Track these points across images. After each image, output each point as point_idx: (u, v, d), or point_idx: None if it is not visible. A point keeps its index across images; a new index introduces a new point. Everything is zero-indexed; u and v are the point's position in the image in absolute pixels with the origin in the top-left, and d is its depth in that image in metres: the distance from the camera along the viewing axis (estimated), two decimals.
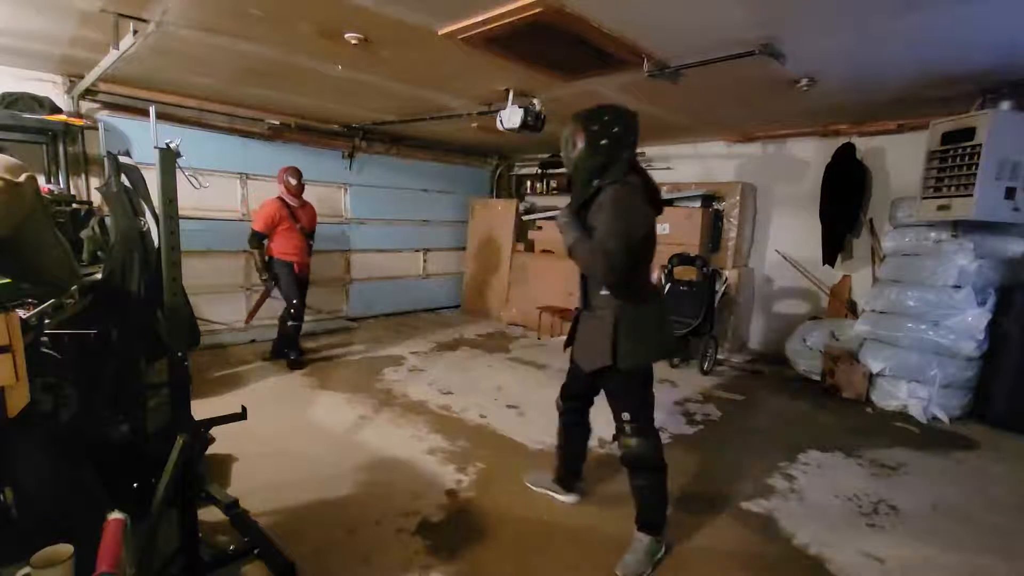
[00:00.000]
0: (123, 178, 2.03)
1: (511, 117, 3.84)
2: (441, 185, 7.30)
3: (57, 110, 3.89)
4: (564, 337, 2.38)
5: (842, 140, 4.91)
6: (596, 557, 2.13)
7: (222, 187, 5.13)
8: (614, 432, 2.13)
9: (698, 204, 5.53)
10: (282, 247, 4.45)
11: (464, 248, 7.59)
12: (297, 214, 4.53)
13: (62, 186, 4.01)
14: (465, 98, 4.37)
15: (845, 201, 4.89)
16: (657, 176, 6.33)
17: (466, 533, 2.28)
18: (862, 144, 4.90)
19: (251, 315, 4.86)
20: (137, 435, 2.14)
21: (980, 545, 2.35)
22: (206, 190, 2.67)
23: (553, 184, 7.49)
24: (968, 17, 2.46)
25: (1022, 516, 2.61)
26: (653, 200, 2.01)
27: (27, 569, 1.15)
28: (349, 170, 6.19)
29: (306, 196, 4.66)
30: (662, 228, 5.52)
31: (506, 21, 2.60)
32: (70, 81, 4.13)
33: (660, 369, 4.87)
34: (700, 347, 4.85)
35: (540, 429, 3.34)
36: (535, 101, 3.89)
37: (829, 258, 5.05)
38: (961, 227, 3.89)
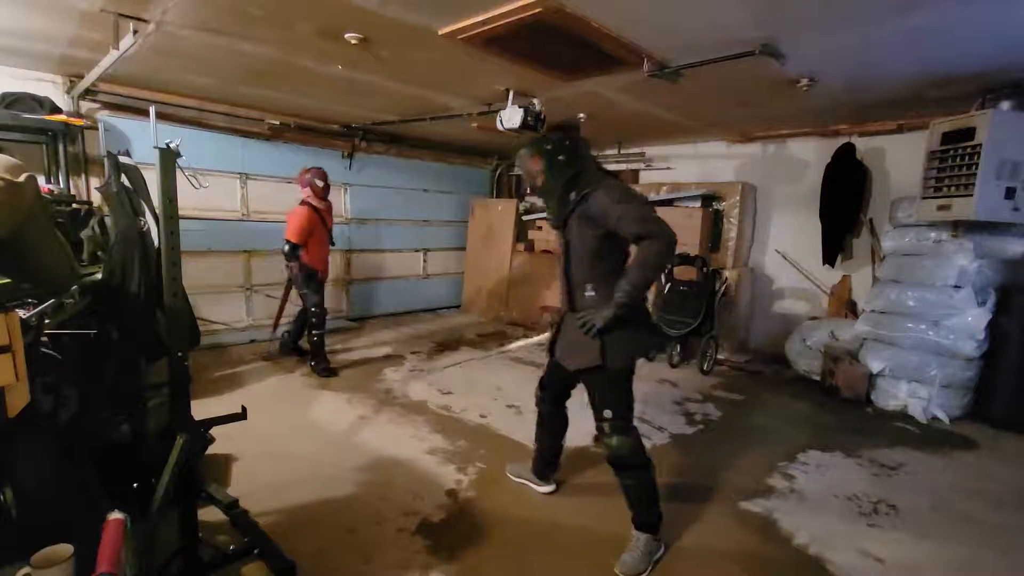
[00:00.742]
0: (123, 178, 2.03)
1: (511, 117, 3.84)
2: (441, 185, 7.31)
3: (57, 110, 3.90)
4: None
5: (842, 140, 4.91)
6: (596, 556, 2.13)
7: (222, 187, 5.13)
8: (595, 434, 2.15)
9: (698, 204, 5.53)
10: (312, 257, 4.30)
11: (464, 248, 7.59)
12: (326, 219, 4.41)
13: (62, 186, 4.01)
14: (465, 98, 4.37)
15: (845, 201, 4.90)
16: (657, 176, 6.41)
17: (466, 533, 2.28)
18: (862, 144, 4.90)
19: (276, 321, 4.81)
20: (137, 435, 2.14)
21: (980, 545, 2.35)
22: (206, 190, 2.67)
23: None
24: (968, 17, 2.46)
25: (1022, 516, 2.61)
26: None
27: (27, 569, 1.15)
28: (349, 170, 6.19)
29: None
30: None
31: (506, 21, 2.60)
32: (70, 81, 4.13)
33: (660, 369, 4.87)
34: (700, 347, 4.85)
35: None
36: (535, 101, 3.89)
37: (829, 258, 5.05)
38: (961, 227, 3.89)
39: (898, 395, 4.01)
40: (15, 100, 3.73)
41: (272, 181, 5.48)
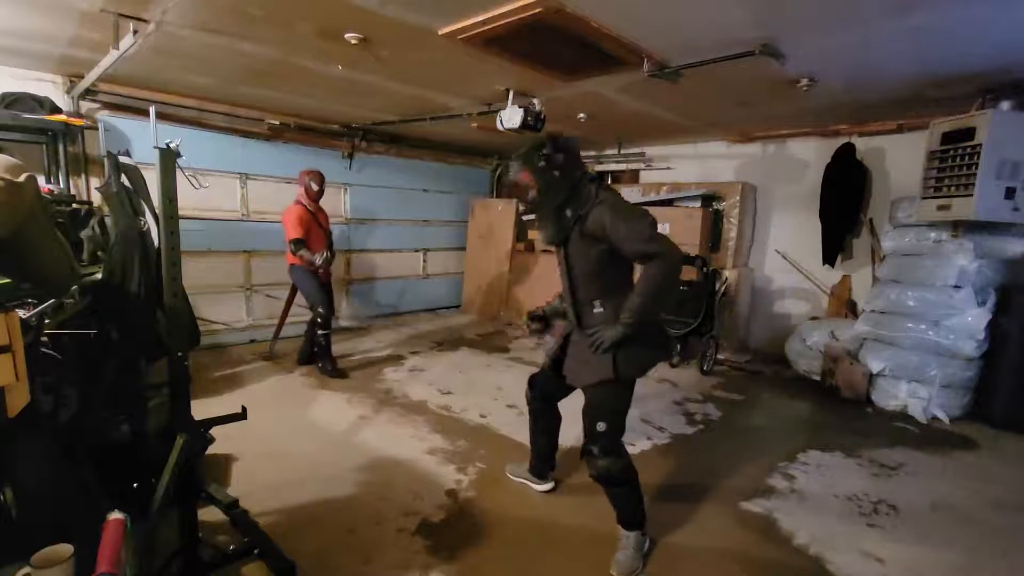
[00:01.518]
0: (123, 178, 2.03)
1: (511, 117, 3.84)
2: (441, 185, 7.31)
3: (57, 110, 3.89)
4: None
5: (842, 140, 4.91)
6: (596, 555, 2.13)
7: (222, 187, 5.13)
8: (582, 449, 2.10)
9: (698, 204, 5.53)
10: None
11: (464, 248, 7.59)
12: (319, 218, 4.44)
13: (62, 186, 4.00)
14: (465, 98, 4.37)
15: (845, 201, 4.90)
16: (657, 176, 6.41)
17: (466, 533, 2.28)
18: (862, 144, 4.91)
19: (279, 326, 4.79)
20: (137, 435, 2.14)
21: (980, 545, 2.35)
22: (206, 190, 2.67)
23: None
24: (968, 17, 2.46)
25: (1022, 516, 2.61)
26: None
27: (27, 569, 1.15)
28: (349, 170, 6.19)
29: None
30: (662, 228, 5.53)
31: (506, 21, 2.60)
32: (70, 81, 4.13)
33: (660, 369, 4.87)
34: (700, 347, 4.85)
35: None
36: (535, 101, 3.89)
37: (829, 258, 5.05)
38: (961, 227, 3.89)
39: (898, 395, 4.01)
40: (15, 100, 3.73)
41: (272, 181, 5.48)
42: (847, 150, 4.84)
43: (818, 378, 4.55)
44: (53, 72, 4.07)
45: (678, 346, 4.93)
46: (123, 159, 2.04)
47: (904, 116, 4.49)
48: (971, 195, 3.49)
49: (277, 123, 5.33)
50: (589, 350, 1.99)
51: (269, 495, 2.47)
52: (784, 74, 3.31)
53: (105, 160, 2.12)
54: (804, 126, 5.09)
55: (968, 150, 3.51)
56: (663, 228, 5.47)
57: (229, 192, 5.20)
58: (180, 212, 1.71)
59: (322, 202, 4.51)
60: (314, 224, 4.35)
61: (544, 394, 2.46)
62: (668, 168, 6.38)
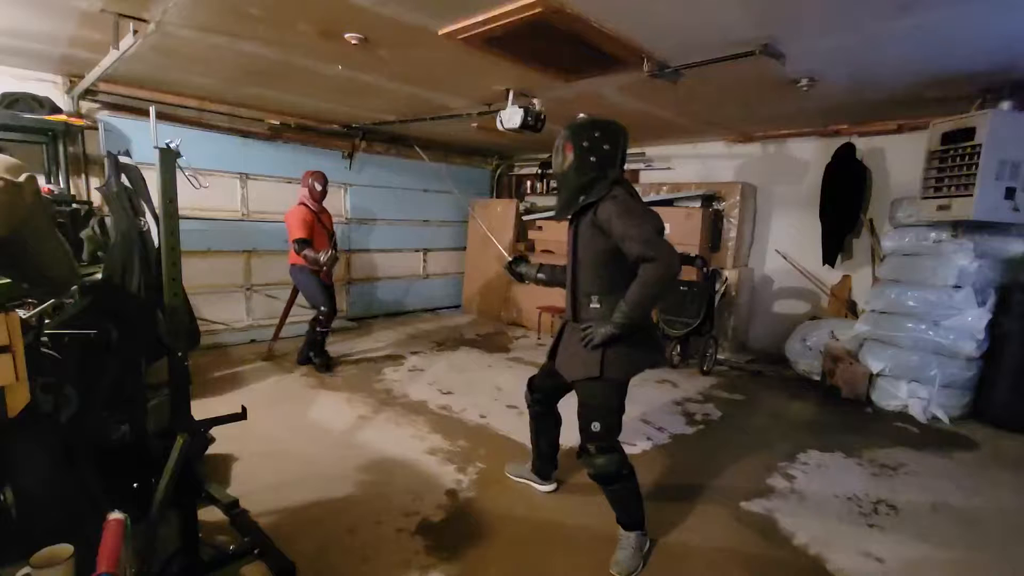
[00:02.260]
0: (123, 178, 2.03)
1: (511, 117, 3.84)
2: (441, 185, 7.31)
3: (57, 110, 3.90)
4: None
5: (842, 140, 4.91)
6: (596, 556, 2.13)
7: (222, 187, 5.13)
8: (579, 448, 2.12)
9: (698, 204, 5.53)
10: None
11: (464, 248, 7.60)
12: (323, 219, 4.46)
13: (62, 186, 4.01)
14: (465, 98, 4.37)
15: (845, 201, 4.89)
16: (657, 176, 6.41)
17: (466, 533, 2.28)
18: (862, 144, 4.90)
19: (279, 327, 4.79)
20: (137, 435, 2.14)
21: (980, 545, 2.35)
22: (206, 190, 2.67)
23: (553, 184, 7.49)
24: (968, 17, 2.46)
25: (1022, 516, 2.61)
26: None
27: (27, 569, 1.16)
28: (349, 170, 6.20)
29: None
30: None
31: (506, 21, 2.60)
32: (70, 81, 4.13)
33: (660, 369, 4.87)
34: (700, 347, 4.85)
35: None
36: (535, 101, 3.89)
37: (829, 258, 5.05)
38: (961, 227, 3.88)
39: (898, 395, 4.01)
40: (15, 100, 3.73)
41: (272, 181, 5.48)
42: (847, 150, 4.84)
43: (818, 378, 4.55)
44: (53, 72, 4.08)
45: (677, 350, 4.94)
46: (123, 159, 2.04)
47: (904, 116, 4.49)
48: (971, 195, 3.49)
49: (277, 123, 5.34)
50: (579, 344, 2.01)
51: (269, 495, 2.47)
52: (784, 74, 3.31)
53: (105, 160, 2.12)
54: (804, 126, 5.09)
55: (968, 150, 3.51)
56: None
57: (229, 192, 5.21)
58: (180, 212, 1.71)
59: (323, 202, 4.52)
60: (318, 225, 4.36)
61: (543, 396, 2.46)
62: (668, 168, 6.38)
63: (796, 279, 5.50)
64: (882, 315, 4.19)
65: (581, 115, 4.74)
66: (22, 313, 1.50)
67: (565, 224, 2.19)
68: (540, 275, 2.39)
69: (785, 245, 5.55)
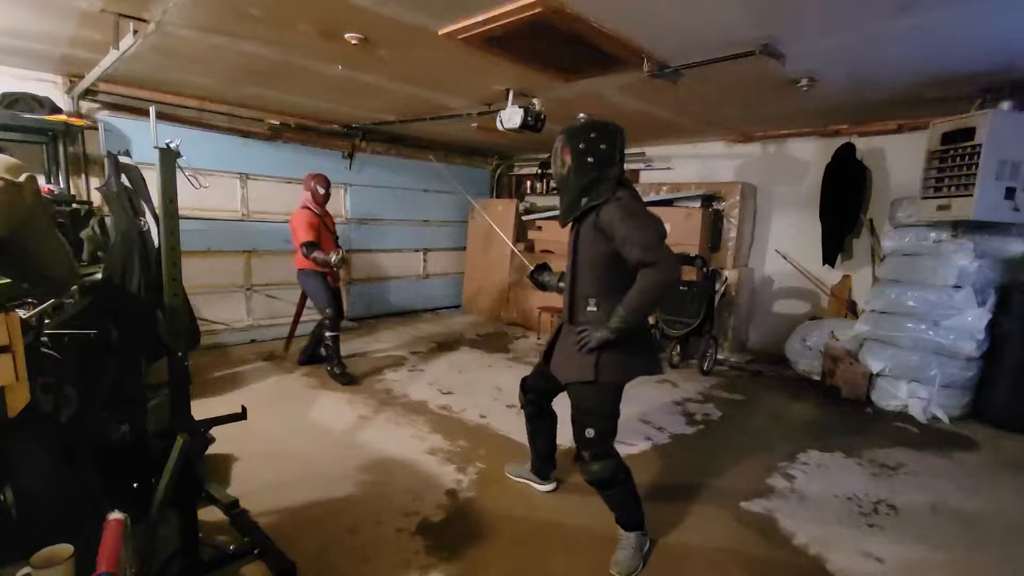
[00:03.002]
0: (123, 178, 2.03)
1: (511, 117, 3.84)
2: (441, 185, 7.30)
3: (57, 110, 3.89)
4: None
5: (842, 140, 4.91)
6: (596, 556, 2.13)
7: (222, 187, 5.13)
8: (574, 455, 2.11)
9: (698, 204, 5.53)
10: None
11: (464, 248, 7.60)
12: (327, 221, 4.41)
13: (62, 186, 4.01)
14: (465, 98, 4.37)
15: (845, 201, 4.89)
16: (657, 176, 6.41)
17: (466, 533, 2.28)
18: (862, 144, 4.90)
19: (291, 332, 4.80)
20: (137, 435, 2.14)
21: (980, 545, 2.35)
22: (206, 190, 2.67)
23: (553, 184, 7.49)
24: (967, 17, 2.46)
25: (1022, 516, 2.61)
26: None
27: (27, 569, 1.15)
28: (349, 170, 6.19)
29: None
30: None
31: (506, 21, 2.60)
32: (70, 81, 4.13)
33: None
34: (700, 347, 4.85)
35: None
36: (535, 101, 3.89)
37: (829, 258, 5.05)
38: (961, 227, 3.88)
39: (898, 395, 4.01)
40: (15, 100, 3.73)
41: (272, 181, 5.48)
42: (847, 150, 4.84)
43: (818, 378, 4.55)
44: (53, 72, 4.08)
45: (677, 350, 4.94)
46: (123, 159, 2.04)
47: (904, 116, 4.49)
48: (971, 195, 3.49)
49: (277, 123, 5.33)
50: (574, 347, 2.00)
51: (269, 495, 2.47)
52: (784, 74, 3.31)
53: (105, 160, 2.12)
54: (804, 126, 5.09)
55: (968, 150, 3.51)
56: None
57: (229, 192, 5.20)
58: (180, 212, 1.71)
59: (326, 205, 4.45)
60: (323, 227, 4.32)
61: (536, 396, 2.47)
62: (668, 168, 6.38)
63: (796, 279, 5.50)
64: (882, 315, 4.19)
65: (581, 115, 4.76)
66: (22, 313, 1.50)
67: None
68: (562, 284, 2.31)
69: (785, 245, 5.55)
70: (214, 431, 2.40)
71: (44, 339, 1.69)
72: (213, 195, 4.90)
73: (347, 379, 4.18)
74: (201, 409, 1.96)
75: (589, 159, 1.96)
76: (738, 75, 3.34)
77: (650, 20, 2.62)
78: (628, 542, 2.11)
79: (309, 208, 4.29)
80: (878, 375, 4.11)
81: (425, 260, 7.31)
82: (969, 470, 3.10)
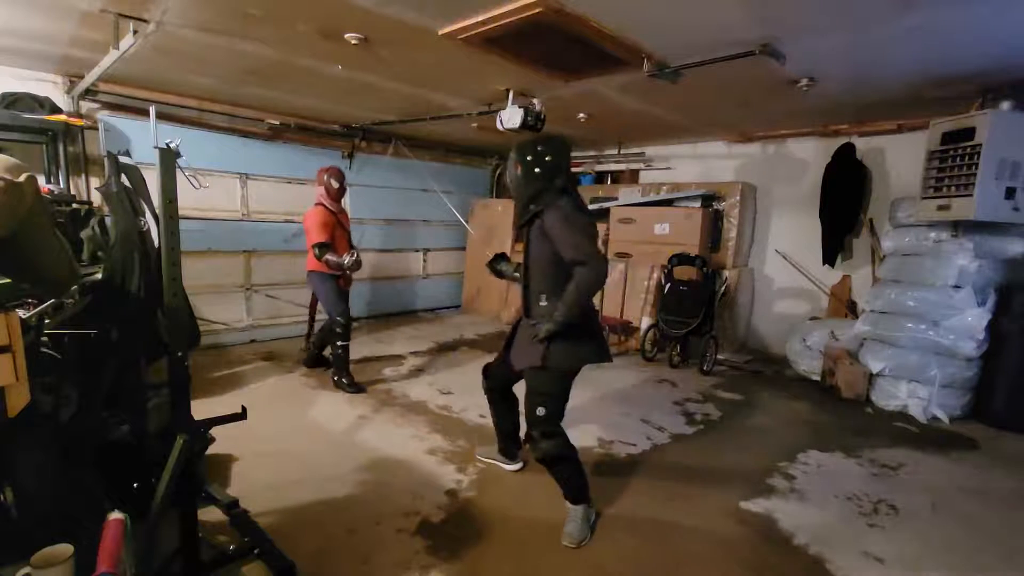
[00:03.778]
0: (123, 178, 2.03)
1: (511, 117, 3.83)
2: (441, 185, 7.30)
3: (57, 110, 3.89)
4: None
5: (842, 140, 4.91)
6: (593, 556, 2.14)
7: (222, 187, 5.13)
8: (525, 434, 2.34)
9: (698, 204, 5.53)
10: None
11: (464, 248, 7.60)
12: (343, 221, 4.15)
13: (62, 186, 4.00)
14: (465, 98, 4.37)
15: (845, 201, 4.90)
16: (657, 176, 6.42)
17: (466, 533, 2.28)
18: (862, 144, 4.91)
19: (309, 334, 4.77)
20: (137, 435, 2.14)
21: (980, 545, 2.36)
22: (206, 190, 2.67)
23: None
24: (968, 17, 2.46)
25: (1022, 516, 2.61)
26: (586, 215, 2.23)
27: (27, 569, 1.16)
28: (349, 170, 6.18)
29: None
30: (662, 228, 5.53)
31: (506, 21, 2.60)
32: (70, 81, 4.13)
33: (660, 369, 4.88)
34: (700, 347, 4.85)
35: None
36: (535, 101, 3.89)
37: (829, 258, 5.05)
38: (961, 227, 3.88)
39: (898, 395, 4.01)
40: (15, 100, 3.73)
41: (272, 181, 5.48)
42: (847, 150, 4.84)
43: (818, 378, 4.55)
44: (53, 72, 4.07)
45: (677, 350, 4.93)
46: (123, 159, 2.04)
47: (904, 116, 4.49)
48: (971, 195, 3.49)
49: (277, 123, 5.33)
50: (529, 338, 2.23)
51: (269, 495, 2.47)
52: (784, 74, 3.31)
53: (105, 160, 2.12)
54: (804, 126, 5.09)
55: (968, 150, 3.51)
56: (663, 228, 5.48)
57: (229, 192, 5.20)
58: (180, 212, 1.71)
59: (342, 201, 4.25)
60: (338, 226, 4.07)
61: (497, 383, 2.71)
62: (668, 168, 6.38)
63: (796, 279, 5.50)
64: (882, 315, 4.19)
65: (581, 115, 4.75)
66: (22, 313, 1.50)
67: None
68: (516, 273, 2.57)
69: (785, 245, 5.55)
70: (214, 431, 2.39)
71: (44, 339, 1.69)
72: (213, 195, 4.90)
73: (355, 389, 3.99)
74: (201, 409, 1.96)
75: (536, 170, 2.18)
76: (738, 75, 3.34)
77: (650, 20, 2.62)
78: (576, 514, 2.27)
79: (324, 205, 4.03)
80: (878, 375, 4.12)
81: (425, 260, 7.31)
82: (969, 470, 3.10)
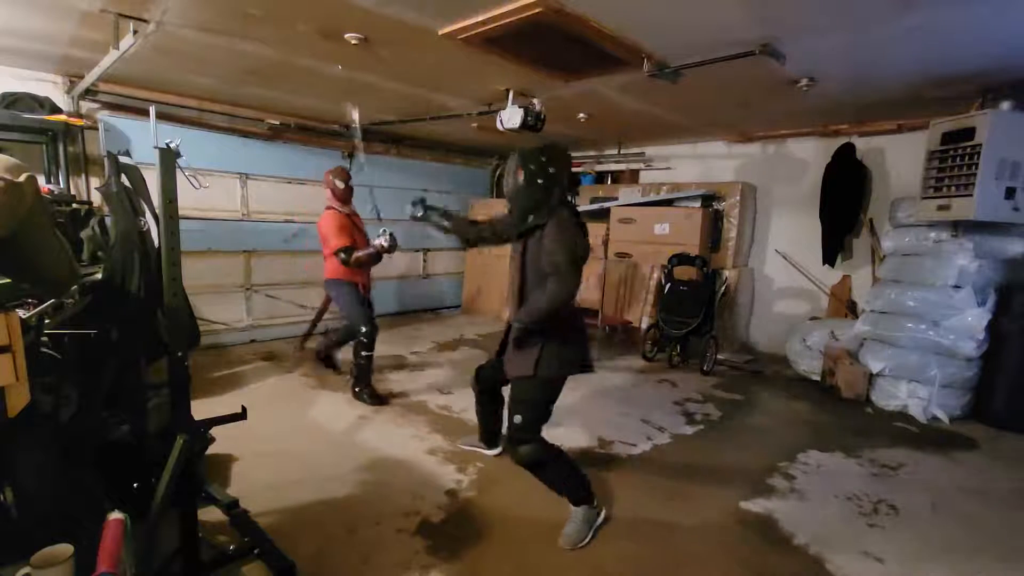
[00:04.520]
0: (123, 178, 2.03)
1: (511, 117, 3.83)
2: (441, 185, 7.30)
3: (57, 110, 3.89)
4: None
5: (842, 140, 4.91)
6: (594, 556, 2.14)
7: (222, 187, 5.13)
8: (506, 438, 2.36)
9: (698, 204, 5.53)
10: (346, 268, 3.75)
11: (464, 248, 7.59)
12: (356, 222, 4.00)
13: (62, 186, 4.01)
14: (465, 98, 4.37)
15: (845, 201, 4.90)
16: (657, 176, 6.42)
17: (466, 533, 2.28)
18: (862, 144, 4.91)
19: (309, 332, 4.79)
20: (137, 435, 2.14)
21: (980, 545, 2.35)
22: (206, 190, 2.67)
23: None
24: (968, 17, 2.46)
25: (1022, 516, 2.61)
26: (581, 228, 2.22)
27: (27, 569, 1.16)
28: (349, 170, 6.18)
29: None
30: (662, 228, 5.53)
31: (506, 21, 2.60)
32: (70, 81, 4.13)
33: (660, 369, 4.88)
34: (700, 347, 4.85)
35: None
36: (535, 101, 3.88)
37: (829, 258, 5.05)
38: (961, 227, 3.88)
39: (898, 395, 4.01)
40: (15, 100, 3.73)
41: (272, 181, 5.48)
42: (847, 150, 4.84)
43: (818, 378, 4.55)
44: (53, 72, 4.07)
45: (677, 350, 4.93)
46: (123, 159, 2.04)
47: (904, 116, 4.49)
48: (971, 195, 3.49)
49: (277, 123, 5.33)
50: (516, 343, 2.23)
51: (269, 495, 2.46)
52: (784, 74, 3.31)
53: (105, 160, 2.12)
54: (804, 126, 5.09)
55: (968, 150, 3.51)
56: (663, 228, 5.49)
57: (229, 192, 5.20)
58: (180, 212, 1.71)
59: (350, 202, 4.11)
60: (353, 228, 3.91)
61: (487, 385, 2.79)
62: (668, 168, 6.38)
63: (796, 279, 5.50)
64: (882, 315, 4.19)
65: (581, 115, 4.75)
66: (22, 313, 1.50)
67: None
68: (445, 223, 2.64)
69: (785, 245, 5.55)
70: (214, 431, 2.39)
71: (44, 339, 1.69)
72: (213, 195, 4.90)
73: (377, 400, 3.76)
74: (201, 409, 1.96)
75: (539, 180, 2.17)
76: (738, 75, 3.34)
77: (650, 20, 2.62)
78: (577, 516, 2.26)
79: (334, 208, 3.88)
80: (878, 375, 4.12)
81: (425, 260, 7.31)
82: (969, 470, 3.10)
